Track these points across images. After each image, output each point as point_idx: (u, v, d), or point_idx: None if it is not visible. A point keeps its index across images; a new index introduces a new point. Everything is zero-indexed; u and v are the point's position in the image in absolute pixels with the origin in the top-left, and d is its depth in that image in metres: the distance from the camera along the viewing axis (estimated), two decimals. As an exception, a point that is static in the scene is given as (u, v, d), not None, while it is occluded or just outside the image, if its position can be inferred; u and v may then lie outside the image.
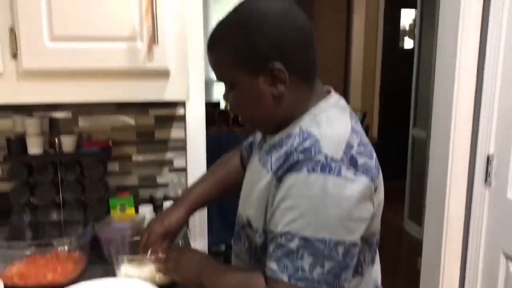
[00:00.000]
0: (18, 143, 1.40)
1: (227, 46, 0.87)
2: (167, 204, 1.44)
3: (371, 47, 4.89)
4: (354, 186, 0.79)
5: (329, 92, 0.94)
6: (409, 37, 4.96)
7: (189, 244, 1.32)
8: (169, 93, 1.24)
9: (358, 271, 0.90)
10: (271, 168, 0.89)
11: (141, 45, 1.18)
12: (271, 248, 0.83)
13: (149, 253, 1.10)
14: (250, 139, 1.23)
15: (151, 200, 1.56)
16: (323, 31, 4.62)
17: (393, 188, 4.09)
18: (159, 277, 1.10)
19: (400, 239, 3.95)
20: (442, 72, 1.81)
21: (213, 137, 2.32)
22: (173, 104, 1.56)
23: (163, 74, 1.22)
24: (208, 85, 2.00)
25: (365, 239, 0.86)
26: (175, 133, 1.59)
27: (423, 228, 2.15)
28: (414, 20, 4.68)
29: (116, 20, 1.17)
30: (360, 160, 0.82)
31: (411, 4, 4.27)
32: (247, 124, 0.99)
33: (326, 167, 0.78)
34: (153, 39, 1.16)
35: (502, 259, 1.65)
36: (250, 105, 0.91)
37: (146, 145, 1.59)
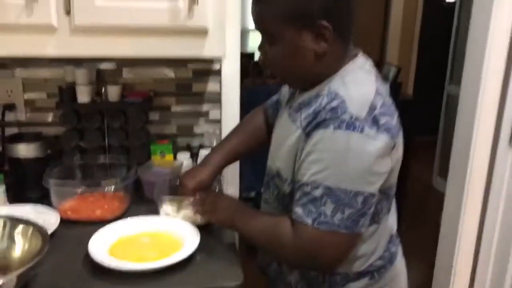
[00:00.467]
0: (68, 91, 1.45)
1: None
2: (203, 152, 1.48)
3: (412, 0, 4.66)
4: (375, 143, 0.84)
5: (356, 55, 0.96)
6: (451, -9, 4.73)
7: (222, 190, 1.37)
8: (206, 50, 1.26)
9: (375, 220, 0.96)
10: (301, 125, 0.93)
11: (182, 4, 1.19)
12: (297, 195, 0.89)
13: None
14: (275, 97, 1.25)
15: (188, 148, 1.61)
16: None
17: (425, 144, 4.08)
18: (196, 218, 1.15)
19: (428, 194, 3.91)
20: (476, 29, 1.77)
21: (248, 89, 2.30)
22: (209, 60, 1.57)
23: (202, 32, 1.24)
24: (243, 34, 1.97)
25: (383, 191, 0.92)
26: (211, 86, 1.61)
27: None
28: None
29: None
30: (382, 120, 0.86)
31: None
32: (280, 78, 1.02)
33: (350, 125, 0.83)
34: (194, -1, 1.18)
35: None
36: (288, 60, 0.92)
37: (184, 97, 1.62)
